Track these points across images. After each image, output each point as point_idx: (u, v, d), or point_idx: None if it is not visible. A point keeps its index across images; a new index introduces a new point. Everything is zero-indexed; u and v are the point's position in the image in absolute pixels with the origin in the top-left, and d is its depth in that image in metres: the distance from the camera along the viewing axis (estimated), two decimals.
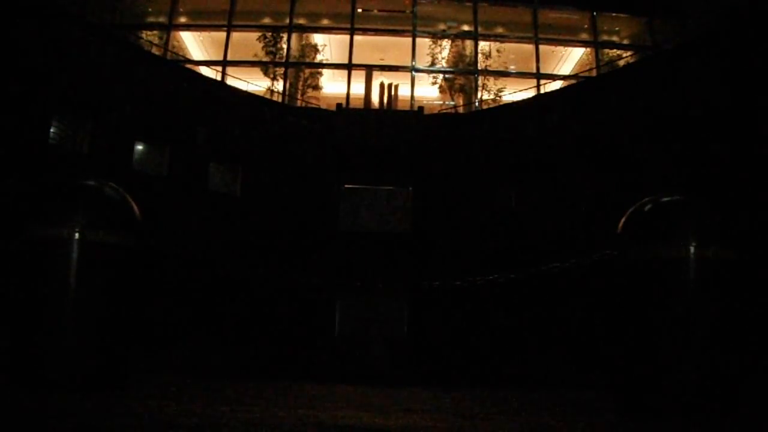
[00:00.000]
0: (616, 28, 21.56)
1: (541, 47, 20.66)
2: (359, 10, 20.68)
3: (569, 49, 21.66)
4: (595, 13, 20.92)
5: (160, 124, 14.20)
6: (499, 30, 21.04)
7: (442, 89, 20.93)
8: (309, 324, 15.88)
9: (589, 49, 21.19)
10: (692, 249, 2.61)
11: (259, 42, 19.73)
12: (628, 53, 20.38)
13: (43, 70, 11.64)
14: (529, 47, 20.69)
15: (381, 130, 16.66)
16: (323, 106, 18.78)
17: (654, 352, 2.59)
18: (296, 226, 16.12)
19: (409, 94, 20.03)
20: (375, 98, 19.58)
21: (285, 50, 19.95)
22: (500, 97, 19.62)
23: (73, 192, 2.83)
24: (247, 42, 19.95)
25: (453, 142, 16.75)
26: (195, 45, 21.57)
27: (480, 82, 20.06)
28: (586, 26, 21.28)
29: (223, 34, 20.29)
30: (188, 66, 18.82)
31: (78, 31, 12.72)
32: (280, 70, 19.72)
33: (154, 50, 18.57)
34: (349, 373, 9.64)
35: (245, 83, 18.53)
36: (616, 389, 2.76)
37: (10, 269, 2.75)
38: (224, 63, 19.81)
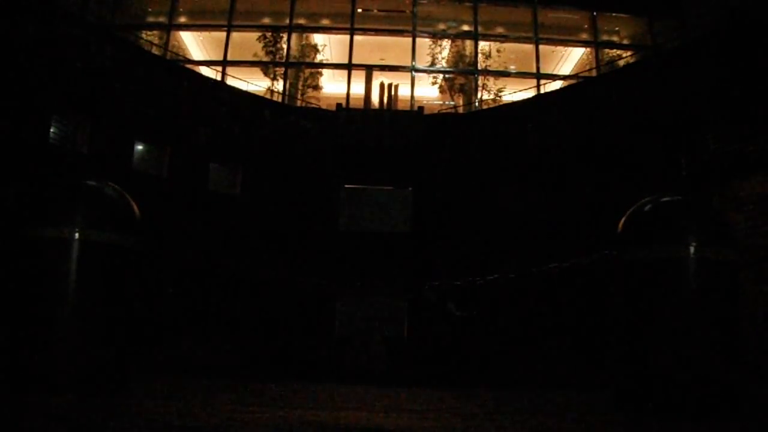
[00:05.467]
0: (616, 28, 21.55)
1: (541, 47, 20.66)
2: (359, 10, 20.68)
3: (569, 49, 21.66)
4: (595, 13, 20.91)
5: (160, 124, 14.20)
6: (499, 30, 21.04)
7: (442, 89, 20.94)
8: (309, 324, 15.88)
9: (589, 49, 21.19)
10: (692, 249, 2.60)
11: (259, 42, 19.73)
12: (628, 53, 20.38)
13: (43, 70, 11.64)
14: (529, 47, 20.69)
15: (381, 130, 16.65)
16: (323, 106, 18.78)
17: (654, 352, 2.59)
18: (296, 226, 16.12)
19: (409, 94, 20.03)
20: (375, 98, 19.58)
21: (285, 50, 19.95)
22: (500, 97, 19.62)
23: (73, 192, 2.82)
24: (247, 42, 19.95)
25: (453, 142, 16.75)
26: (195, 45, 21.57)
27: (480, 82, 20.07)
28: (586, 26, 21.28)
29: (223, 34, 20.29)
30: (188, 66, 18.82)
31: (78, 31, 12.72)
32: (280, 70, 19.72)
33: (154, 50, 18.57)
34: (349, 373, 9.65)
35: (245, 83, 18.54)
36: (617, 389, 2.76)
37: (9, 269, 2.75)
38: (224, 63, 19.81)
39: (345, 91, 19.76)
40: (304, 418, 2.12)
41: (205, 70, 19.75)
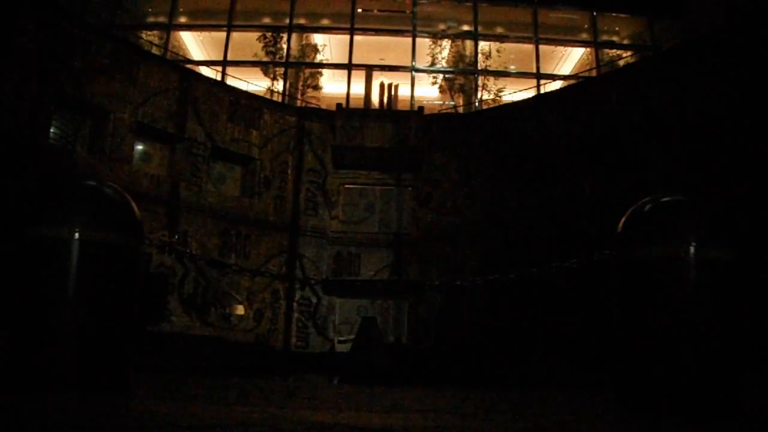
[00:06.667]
0: (616, 28, 21.55)
1: (541, 47, 20.66)
2: (359, 10, 20.68)
3: (569, 49, 21.65)
4: (595, 13, 20.91)
5: (159, 124, 14.18)
6: (499, 30, 21.03)
7: (442, 89, 20.92)
8: (308, 324, 15.89)
9: (589, 49, 21.18)
10: (692, 249, 2.60)
11: (259, 42, 19.72)
12: (628, 53, 20.37)
13: (43, 70, 11.62)
14: (529, 47, 20.68)
15: (381, 130, 16.65)
16: (323, 106, 18.77)
17: (653, 352, 2.59)
18: (295, 226, 16.13)
19: (409, 94, 20.02)
20: (375, 98, 19.57)
21: (285, 50, 19.94)
22: (500, 97, 19.61)
23: (73, 192, 2.82)
24: (247, 42, 19.94)
25: (453, 142, 16.74)
26: (195, 45, 21.56)
27: (480, 82, 20.05)
28: (586, 26, 21.27)
29: (223, 34, 20.28)
30: (188, 66, 18.80)
31: (78, 31, 12.70)
32: (280, 70, 19.71)
33: (154, 50, 18.56)
34: (349, 373, 9.64)
35: (245, 83, 18.53)
36: (617, 389, 2.76)
37: (9, 269, 2.75)
38: (224, 63, 19.80)
39: (345, 91, 19.76)
40: (304, 417, 2.12)
41: (205, 70, 19.75)
